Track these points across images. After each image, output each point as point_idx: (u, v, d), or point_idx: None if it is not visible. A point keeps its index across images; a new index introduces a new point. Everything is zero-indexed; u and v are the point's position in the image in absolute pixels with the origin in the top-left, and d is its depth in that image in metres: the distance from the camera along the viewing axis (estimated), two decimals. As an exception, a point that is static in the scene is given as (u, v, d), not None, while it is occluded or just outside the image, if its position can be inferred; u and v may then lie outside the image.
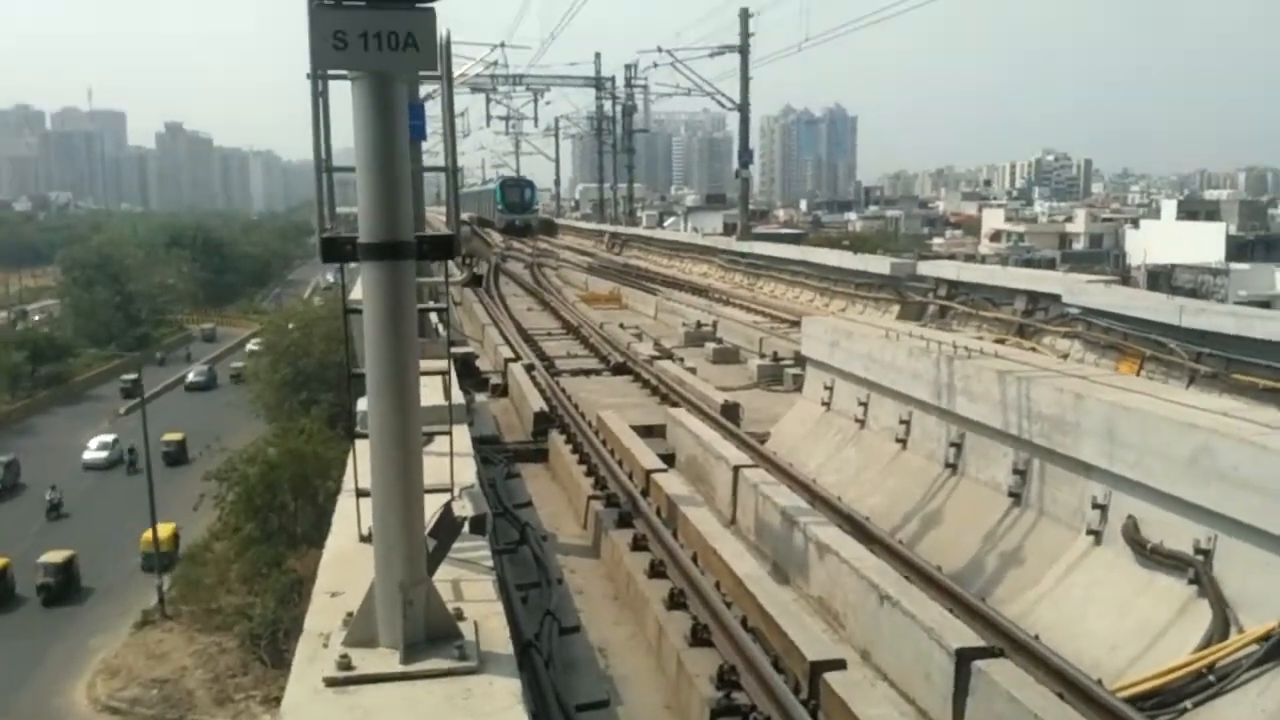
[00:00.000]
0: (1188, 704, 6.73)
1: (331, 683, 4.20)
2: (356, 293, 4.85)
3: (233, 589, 32.21)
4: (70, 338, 79.85)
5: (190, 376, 74.24)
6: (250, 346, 76.39)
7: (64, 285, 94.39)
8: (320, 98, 4.84)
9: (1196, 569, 7.57)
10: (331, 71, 4.56)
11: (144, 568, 38.36)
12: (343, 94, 4.41)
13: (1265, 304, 33.27)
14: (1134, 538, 8.22)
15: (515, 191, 73.82)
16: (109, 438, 55.63)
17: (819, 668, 6.53)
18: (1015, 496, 9.90)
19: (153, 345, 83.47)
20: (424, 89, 14.13)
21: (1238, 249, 62.21)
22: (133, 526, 39.21)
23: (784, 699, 6.21)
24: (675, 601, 7.98)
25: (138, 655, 32.38)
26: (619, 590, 9.04)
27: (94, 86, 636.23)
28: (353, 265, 4.57)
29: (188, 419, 57.83)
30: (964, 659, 6.57)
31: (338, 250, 4.50)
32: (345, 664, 4.25)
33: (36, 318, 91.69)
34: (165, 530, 39.05)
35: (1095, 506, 8.75)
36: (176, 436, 54.24)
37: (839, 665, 6.61)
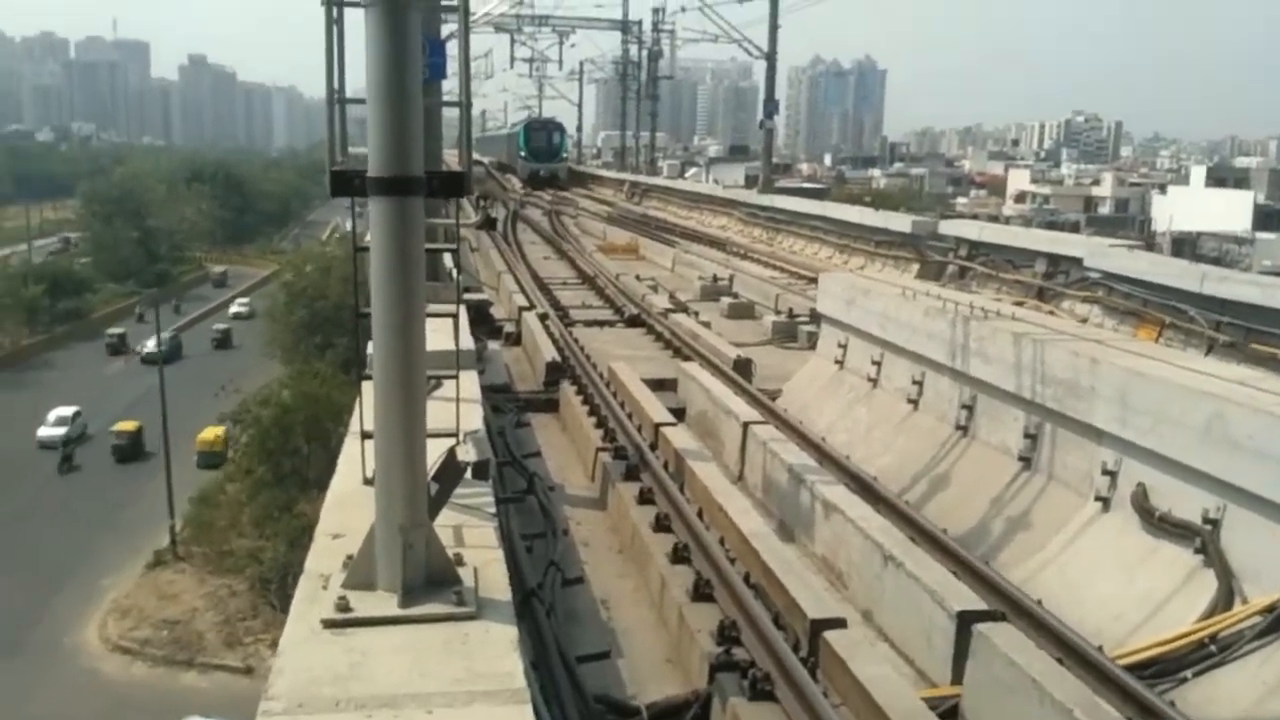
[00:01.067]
0: (1188, 674, 6.71)
1: (329, 624, 4.21)
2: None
3: (244, 532, 32.52)
4: (90, 272, 80.00)
5: (148, 345, 55.35)
6: (235, 308, 76.79)
7: (84, 218, 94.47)
8: (335, 25, 4.77)
9: (1204, 538, 7.53)
10: (347, 1, 4.48)
11: (199, 465, 40.72)
12: (363, 28, 4.33)
13: (1290, 274, 32.88)
14: (1142, 505, 8.17)
15: (542, 136, 66.35)
16: (67, 411, 48.51)
17: (819, 626, 6.54)
18: (1025, 460, 9.85)
19: (171, 284, 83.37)
20: (446, 28, 13.98)
21: (1265, 218, 61.48)
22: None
23: (783, 656, 6.22)
24: (679, 556, 7.99)
25: (149, 596, 32.81)
26: (624, 543, 9.07)
27: (118, 16, 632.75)
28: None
29: (147, 401, 43.94)
30: (965, 622, 6.56)
31: (346, 184, 4.44)
32: (343, 606, 4.26)
33: (50, 253, 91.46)
34: (214, 433, 41.05)
35: (1105, 473, 8.69)
36: (129, 426, 45.76)
37: (840, 624, 6.62)
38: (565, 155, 69.24)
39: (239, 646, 29.91)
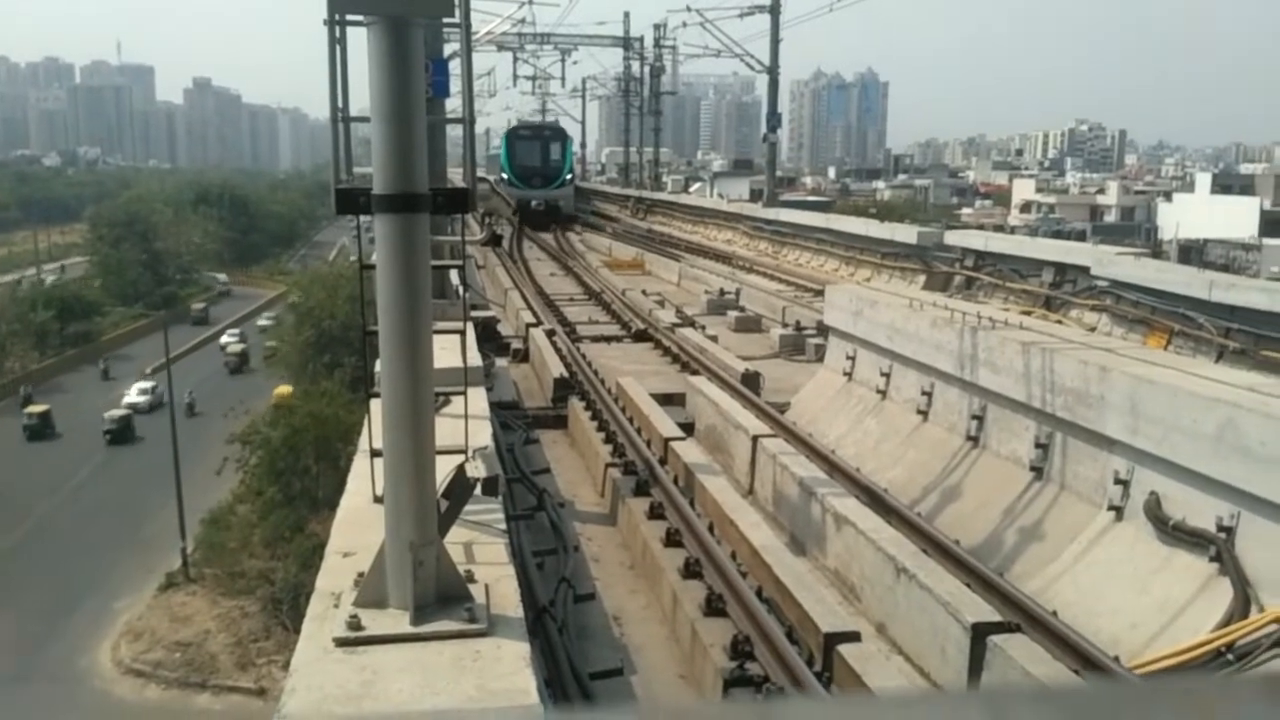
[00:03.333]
0: (1206, 683, 6.66)
1: (341, 642, 4.20)
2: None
3: (255, 553, 32.51)
4: (98, 296, 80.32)
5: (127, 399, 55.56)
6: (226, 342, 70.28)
7: (92, 242, 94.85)
8: (338, 44, 4.78)
9: (1218, 546, 7.48)
10: (350, 18, 4.49)
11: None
12: (365, 48, 4.35)
13: (1298, 280, 32.77)
14: (1156, 514, 8.13)
15: (532, 149, 47.31)
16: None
17: (833, 639, 6.51)
18: (1037, 470, 9.81)
19: (178, 304, 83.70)
20: (448, 48, 14.04)
21: (1271, 224, 61.30)
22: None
23: (797, 670, 6.19)
24: (691, 571, 7.96)
25: (161, 618, 32.76)
26: (635, 559, 9.04)
27: (123, 40, 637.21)
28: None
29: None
30: (980, 634, 6.53)
31: (352, 202, 4.46)
32: (355, 624, 4.25)
33: (52, 278, 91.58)
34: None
35: (1117, 482, 8.65)
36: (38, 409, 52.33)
37: (853, 637, 6.59)
38: (569, 176, 48.64)
39: (252, 668, 29.84)
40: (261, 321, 74.34)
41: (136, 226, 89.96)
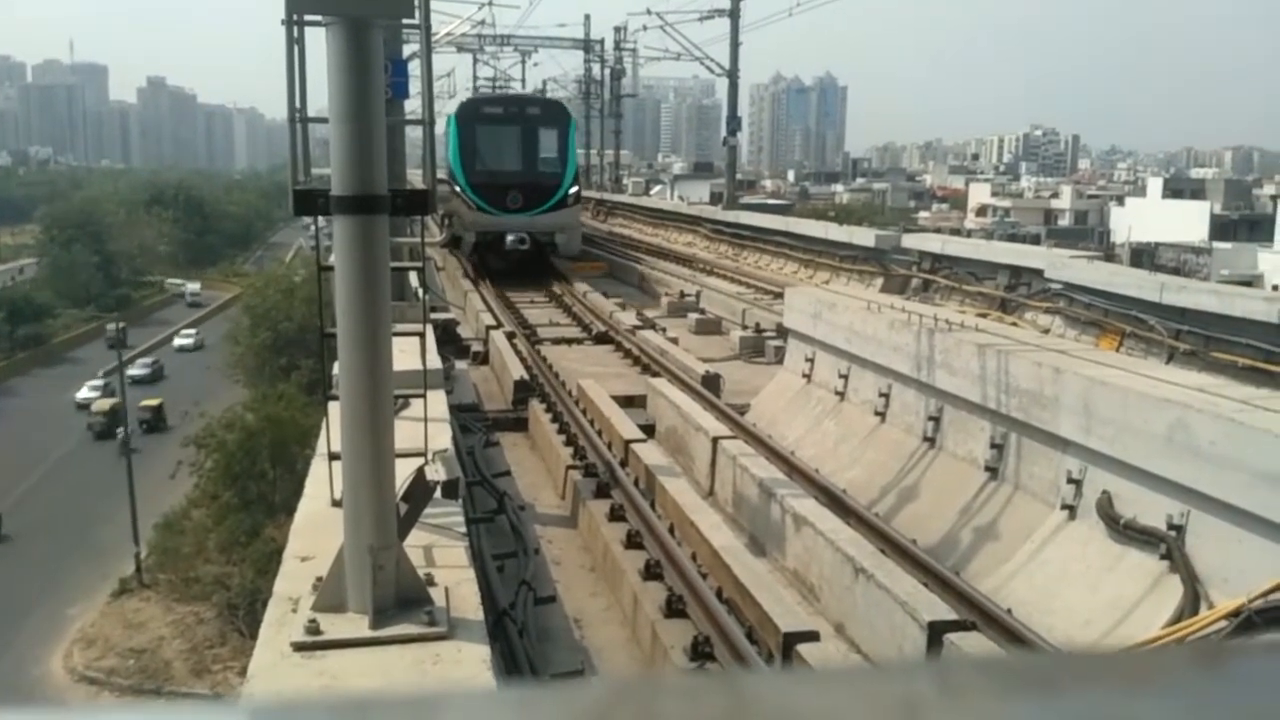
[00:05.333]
0: (1157, 679, 6.77)
1: (299, 647, 4.18)
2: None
3: (210, 558, 32.09)
4: (49, 298, 78.93)
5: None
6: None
7: (43, 244, 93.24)
8: (296, 44, 4.75)
9: (1169, 544, 7.61)
10: (308, 18, 4.46)
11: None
12: (324, 48, 4.32)
13: (1247, 283, 33.48)
14: (1108, 513, 8.25)
15: (504, 142, 26.93)
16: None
17: (792, 639, 6.55)
18: (992, 471, 9.92)
19: (131, 306, 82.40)
20: (407, 49, 13.95)
21: (1222, 228, 62.53)
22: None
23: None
24: (651, 572, 7.98)
25: (114, 624, 32.29)
26: (596, 561, 9.04)
27: (75, 39, 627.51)
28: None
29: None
30: (936, 632, 6.60)
31: (310, 203, 4.43)
32: (314, 629, 4.23)
33: (13, 280, 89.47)
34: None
35: (1070, 481, 8.78)
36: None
37: (812, 637, 6.64)
38: (573, 189, 27.13)
39: (207, 674, 29.48)
40: (180, 340, 68.50)
41: (89, 228, 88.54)
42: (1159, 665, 0.57)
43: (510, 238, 25.37)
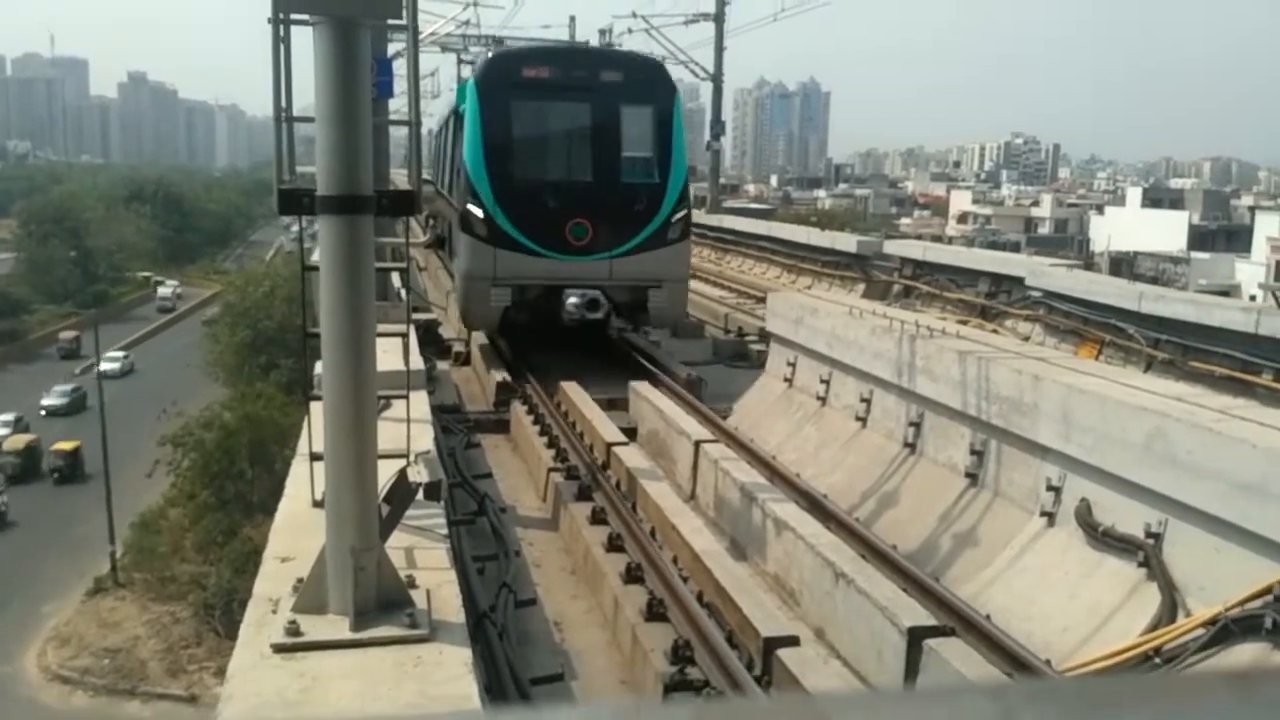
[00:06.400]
0: (1133, 685, 6.81)
1: (279, 649, 4.15)
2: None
3: (187, 558, 31.88)
4: (26, 293, 78.23)
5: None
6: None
7: (20, 239, 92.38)
8: (281, 43, 4.73)
9: (1147, 552, 7.67)
10: (294, 17, 4.45)
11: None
12: (308, 46, 4.30)
13: (1224, 293, 33.77)
14: (1086, 520, 8.31)
15: (547, 127, 15.80)
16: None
17: (772, 644, 6.56)
18: (972, 477, 9.97)
19: (109, 302, 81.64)
20: (392, 47, 13.92)
21: (1200, 238, 63.08)
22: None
23: (737, 674, 6.23)
24: (632, 576, 7.97)
25: (89, 623, 31.99)
26: (577, 563, 9.03)
27: (56, 33, 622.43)
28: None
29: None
30: (916, 637, 6.62)
31: (295, 202, 4.41)
32: (294, 630, 4.20)
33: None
34: None
35: (1050, 489, 8.83)
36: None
37: (792, 642, 6.64)
38: (682, 210, 15.43)
39: (182, 674, 29.26)
40: (106, 364, 52.18)
41: (66, 223, 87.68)
42: (1195, 687, 0.59)
43: (573, 299, 14.72)
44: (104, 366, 53.11)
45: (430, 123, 26.08)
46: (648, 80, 15.70)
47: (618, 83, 15.24)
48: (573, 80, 15.20)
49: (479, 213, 14.59)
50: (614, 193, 15.10)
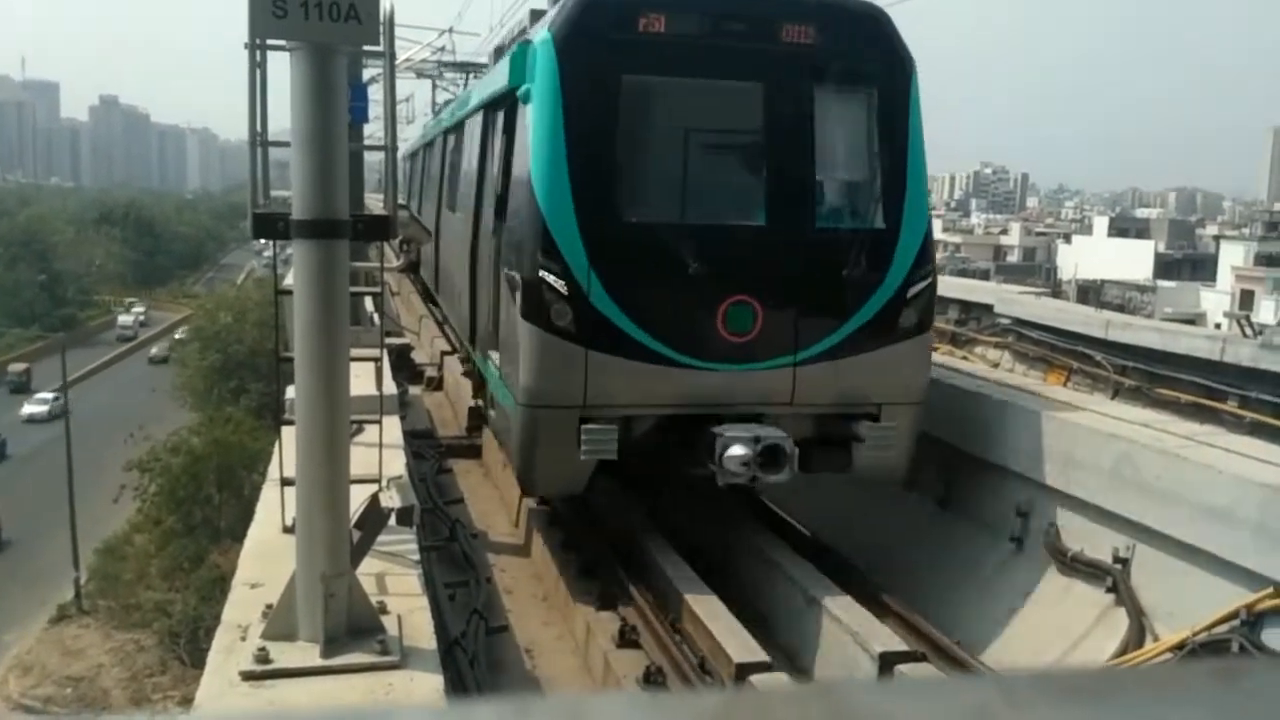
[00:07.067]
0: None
1: (248, 676, 4.11)
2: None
3: (152, 584, 31.36)
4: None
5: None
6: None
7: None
8: (258, 68, 4.74)
9: (1115, 577, 7.73)
10: (271, 42, 4.46)
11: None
12: (283, 71, 4.31)
13: (1190, 321, 34.18)
14: (1055, 546, 8.37)
15: (681, 128, 8.53)
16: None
17: (744, 670, 6.56)
18: (941, 502, 10.02)
19: (77, 326, 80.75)
20: (367, 72, 13.95)
21: (1165, 267, 63.93)
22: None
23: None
24: (604, 602, 7.95)
25: (52, 651, 31.45)
26: (548, 590, 8.99)
27: (27, 55, 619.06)
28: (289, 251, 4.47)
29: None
30: (887, 663, 6.65)
31: (270, 226, 4.41)
32: (263, 657, 4.17)
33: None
34: None
35: (1019, 514, 8.89)
36: None
37: (765, 667, 6.65)
38: (923, 280, 8.39)
39: (147, 704, 28.72)
40: (27, 410, 53.21)
41: (34, 246, 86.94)
42: (1185, 678, 0.66)
43: (737, 448, 7.74)
44: (30, 410, 52.63)
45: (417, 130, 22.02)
46: (865, 41, 8.57)
47: (809, 47, 8.36)
48: (728, 42, 8.25)
49: (559, 284, 7.72)
50: (804, 246, 8.34)
